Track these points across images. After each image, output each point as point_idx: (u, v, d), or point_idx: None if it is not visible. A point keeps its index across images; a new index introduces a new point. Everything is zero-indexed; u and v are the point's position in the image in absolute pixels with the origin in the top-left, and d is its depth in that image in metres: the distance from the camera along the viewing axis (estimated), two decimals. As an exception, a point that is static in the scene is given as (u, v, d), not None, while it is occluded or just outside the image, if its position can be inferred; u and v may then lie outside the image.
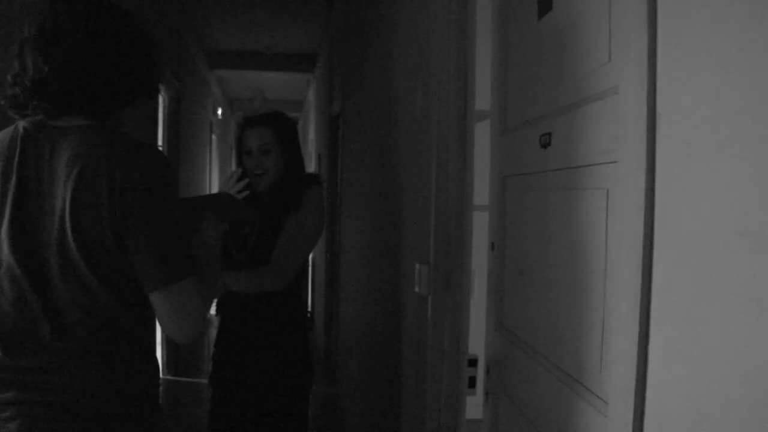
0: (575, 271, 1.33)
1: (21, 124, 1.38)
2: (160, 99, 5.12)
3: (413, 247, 2.40)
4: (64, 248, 1.32)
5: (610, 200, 1.17)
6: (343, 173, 5.18)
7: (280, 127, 2.43)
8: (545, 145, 1.49)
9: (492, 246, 1.94)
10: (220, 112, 9.54)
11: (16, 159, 1.34)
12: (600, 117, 1.21)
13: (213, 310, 2.27)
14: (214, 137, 8.95)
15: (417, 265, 2.20)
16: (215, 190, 6.27)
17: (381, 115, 3.23)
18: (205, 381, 2.96)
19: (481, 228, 2.10)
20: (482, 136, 2.10)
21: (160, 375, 1.52)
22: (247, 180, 2.21)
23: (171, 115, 5.47)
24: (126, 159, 1.31)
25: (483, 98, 2.06)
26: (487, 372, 1.95)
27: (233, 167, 2.52)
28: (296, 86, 9.39)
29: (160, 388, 1.59)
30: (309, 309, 8.09)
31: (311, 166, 8.26)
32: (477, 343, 2.08)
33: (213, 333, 2.71)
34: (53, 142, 1.34)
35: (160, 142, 5.21)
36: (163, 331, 1.41)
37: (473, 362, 2.08)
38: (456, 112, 2.03)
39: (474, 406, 2.06)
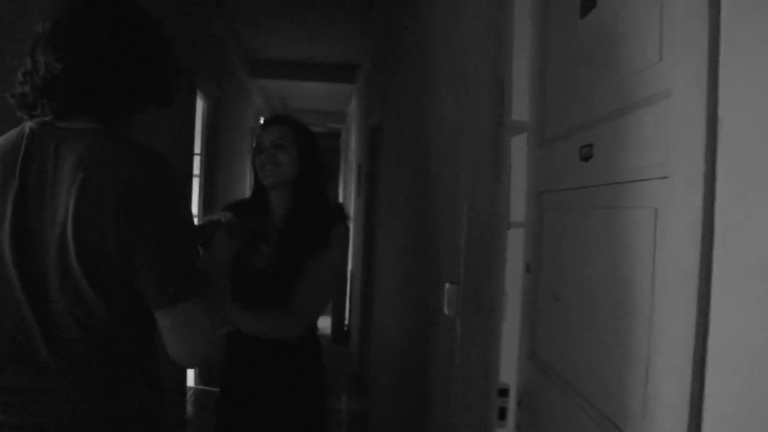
0: (617, 300, 1.17)
1: (27, 124, 1.31)
2: (199, 106, 5.07)
3: (444, 266, 2.25)
4: (63, 258, 1.21)
5: (659, 221, 1.01)
6: (381, 186, 5.06)
7: (301, 129, 2.24)
8: (586, 158, 1.34)
9: (527, 267, 1.79)
10: (261, 121, 9.52)
11: (20, 161, 1.26)
12: (648, 125, 1.06)
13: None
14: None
15: (446, 285, 2.05)
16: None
17: (416, 127, 3.10)
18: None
19: (516, 246, 1.95)
20: (518, 149, 1.95)
21: (161, 395, 1.41)
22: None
23: (209, 122, 5.42)
24: (132, 168, 1.22)
25: (519, 108, 1.91)
26: (519, 404, 1.80)
27: None
28: (339, 97, 9.33)
29: (189, 397, 1.47)
30: (346, 322, 7.98)
31: (351, 178, 8.17)
32: (509, 370, 1.92)
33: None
34: (59, 145, 1.25)
35: (197, 150, 5.16)
36: (169, 353, 1.29)
37: (504, 392, 1.91)
38: (490, 123, 1.88)
39: (504, 440, 1.90)
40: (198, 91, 4.82)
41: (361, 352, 6.00)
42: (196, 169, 5.17)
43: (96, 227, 1.19)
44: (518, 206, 1.92)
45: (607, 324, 1.22)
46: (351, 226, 2.25)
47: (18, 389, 1.24)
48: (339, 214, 2.22)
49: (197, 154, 5.21)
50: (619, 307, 1.17)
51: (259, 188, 2.26)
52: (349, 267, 8.36)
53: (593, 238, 1.32)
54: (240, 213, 2.09)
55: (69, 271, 1.21)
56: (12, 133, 1.32)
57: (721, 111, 0.77)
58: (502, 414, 1.89)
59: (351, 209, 8.57)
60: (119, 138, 1.29)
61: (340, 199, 10.88)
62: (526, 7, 1.83)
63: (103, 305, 1.23)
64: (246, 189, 7.86)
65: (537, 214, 1.71)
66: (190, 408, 4.91)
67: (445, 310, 2.04)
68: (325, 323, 7.81)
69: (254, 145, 2.25)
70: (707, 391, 0.78)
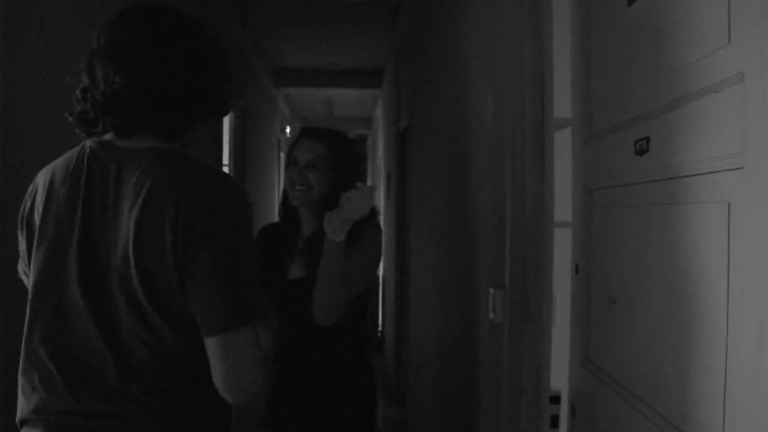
0: (684, 302, 1.10)
1: (88, 143, 1.29)
2: (225, 117, 5.06)
3: (487, 270, 2.18)
4: (127, 281, 1.19)
5: (732, 216, 0.94)
6: (411, 190, 5.00)
7: (337, 146, 2.14)
8: (641, 152, 1.26)
9: (576, 269, 1.71)
10: (288, 130, 9.50)
11: (83, 182, 1.24)
12: (717, 113, 0.99)
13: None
14: (282, 155, 8.92)
15: (491, 290, 1.99)
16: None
17: (449, 129, 3.03)
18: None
19: (562, 247, 1.87)
20: (561, 146, 1.87)
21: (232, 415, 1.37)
22: None
23: (237, 133, 5.41)
24: (193, 188, 1.20)
25: (561, 105, 1.84)
26: (572, 411, 1.72)
27: None
28: (364, 102, 9.30)
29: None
30: (380, 329, 7.92)
31: (380, 183, 8.12)
32: (559, 376, 1.85)
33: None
34: (120, 164, 1.24)
35: (225, 161, 5.15)
36: (217, 386, 1.23)
37: (556, 399, 1.84)
38: (532, 121, 1.82)
39: (557, 449, 1.82)
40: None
41: (397, 358, 5.93)
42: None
43: (156, 248, 1.17)
44: (564, 205, 1.84)
45: (673, 327, 1.14)
46: (382, 222, 2.16)
47: (98, 414, 1.21)
48: (370, 213, 2.10)
49: (225, 164, 5.20)
50: (687, 310, 1.09)
51: (287, 201, 2.20)
52: (381, 272, 8.30)
53: (652, 236, 1.25)
54: (273, 235, 2.13)
55: (133, 295, 1.19)
56: (72, 153, 1.30)
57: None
58: (555, 422, 1.82)
59: (381, 213, 8.52)
60: (181, 158, 1.27)
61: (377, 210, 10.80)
62: (565, 2, 1.76)
63: (168, 328, 1.20)
64: (275, 199, 7.85)
65: (586, 212, 1.64)
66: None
67: (491, 316, 1.98)
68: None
69: (288, 155, 2.17)
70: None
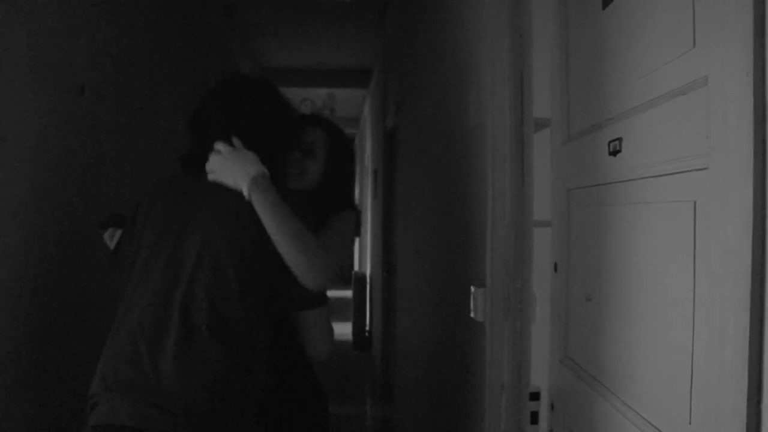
0: (654, 299, 1.12)
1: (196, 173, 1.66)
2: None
3: (469, 268, 2.20)
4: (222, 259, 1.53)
5: (698, 215, 0.96)
6: (398, 189, 5.02)
7: (336, 137, 2.13)
8: (615, 152, 1.29)
9: (555, 267, 1.74)
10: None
11: (191, 191, 1.62)
12: (682, 115, 1.02)
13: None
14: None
15: (473, 288, 2.01)
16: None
17: (434, 128, 3.06)
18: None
19: (541, 246, 1.89)
20: (541, 146, 1.90)
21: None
22: None
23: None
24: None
25: (541, 104, 1.87)
26: (551, 407, 1.75)
27: None
28: (352, 102, 9.31)
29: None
30: (367, 327, 7.94)
31: (367, 181, 8.14)
32: (539, 373, 1.87)
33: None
34: (215, 187, 1.60)
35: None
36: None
37: (536, 395, 1.86)
38: (512, 121, 1.84)
39: (537, 445, 1.84)
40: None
41: (384, 357, 5.96)
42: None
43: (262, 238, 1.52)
44: (543, 204, 1.87)
45: (645, 324, 1.17)
46: (358, 213, 2.10)
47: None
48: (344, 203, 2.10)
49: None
50: (657, 306, 1.12)
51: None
52: (368, 272, 8.32)
53: (626, 234, 1.27)
54: None
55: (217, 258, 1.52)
56: (181, 174, 1.71)
57: (771, 96, 0.72)
58: (535, 418, 1.85)
59: (368, 212, 8.54)
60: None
61: (356, 202, 10.83)
62: (546, 1, 1.78)
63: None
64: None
65: (564, 212, 1.66)
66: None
67: (473, 314, 2.00)
68: (345, 329, 7.77)
69: None
70: (766, 394, 0.73)
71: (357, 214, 2.09)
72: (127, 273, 1.61)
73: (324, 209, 1.99)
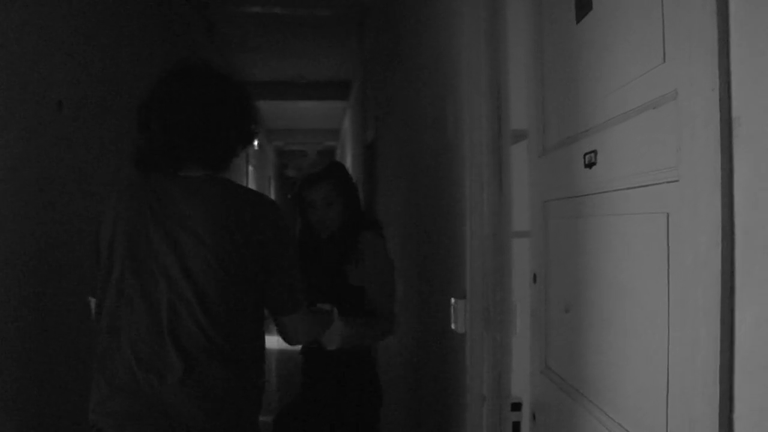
0: (631, 310, 1.14)
1: (153, 175, 1.59)
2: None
3: (449, 280, 2.22)
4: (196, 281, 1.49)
5: (671, 227, 0.98)
6: (379, 201, 5.03)
7: (340, 178, 2.51)
8: (590, 165, 1.31)
9: (534, 278, 1.75)
10: (256, 142, 9.49)
11: (154, 202, 1.52)
12: (654, 128, 1.03)
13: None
14: (251, 168, 8.89)
15: (453, 300, 2.02)
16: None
17: (413, 140, 3.07)
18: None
19: (520, 257, 1.91)
20: (519, 157, 1.92)
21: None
22: None
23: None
24: (268, 206, 1.60)
25: (518, 116, 1.89)
26: (533, 417, 1.76)
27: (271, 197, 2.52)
28: (332, 114, 9.33)
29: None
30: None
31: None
32: (519, 383, 1.88)
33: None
34: (183, 188, 1.53)
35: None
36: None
37: (517, 406, 1.88)
38: (490, 133, 1.86)
39: (520, 456, 1.85)
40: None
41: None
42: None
43: (238, 254, 1.49)
44: (521, 215, 1.89)
45: (623, 334, 1.19)
46: (382, 232, 2.50)
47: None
48: (370, 224, 2.52)
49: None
50: (634, 316, 1.14)
51: (308, 231, 2.54)
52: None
53: (602, 245, 1.29)
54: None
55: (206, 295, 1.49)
56: (139, 181, 1.60)
57: (736, 111, 0.74)
58: (516, 428, 1.86)
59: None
60: (229, 182, 1.60)
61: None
62: (521, 14, 1.81)
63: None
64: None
65: (542, 223, 1.68)
66: None
67: (453, 326, 2.01)
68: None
69: (301, 200, 2.50)
70: (737, 410, 0.74)
71: (380, 230, 2.51)
72: (99, 299, 1.56)
73: (352, 231, 2.43)
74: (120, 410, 1.45)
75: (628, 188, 1.13)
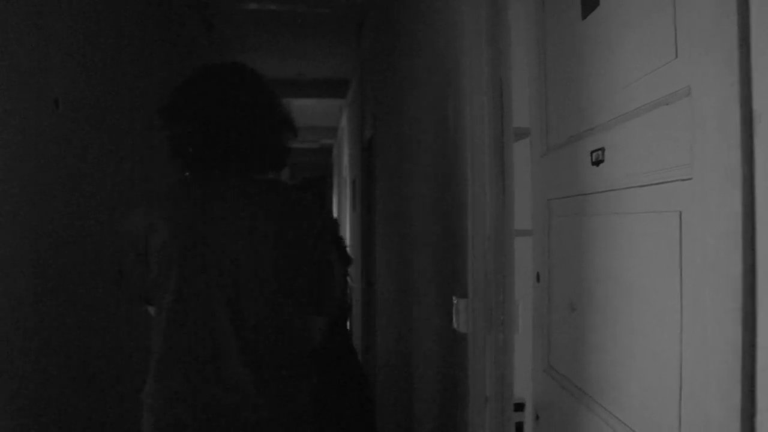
0: (641, 309, 1.12)
1: (189, 175, 1.58)
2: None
3: (450, 279, 2.20)
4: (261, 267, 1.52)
5: (684, 226, 0.96)
6: (378, 199, 5.01)
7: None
8: (597, 162, 1.29)
9: (537, 277, 1.74)
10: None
11: (200, 205, 1.51)
12: (666, 125, 1.02)
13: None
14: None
15: (455, 299, 2.00)
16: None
17: (413, 138, 3.05)
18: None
19: (521, 255, 1.89)
20: (520, 156, 1.90)
21: None
22: None
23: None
24: (307, 209, 1.60)
25: (520, 114, 1.87)
26: (536, 418, 1.74)
27: None
28: (329, 113, 9.29)
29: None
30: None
31: (345, 193, 8.10)
32: (520, 383, 1.87)
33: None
34: (238, 190, 1.53)
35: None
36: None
37: (520, 406, 1.86)
38: (492, 131, 1.84)
39: (522, 456, 1.83)
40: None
41: (365, 368, 5.92)
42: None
43: (293, 252, 1.54)
44: (523, 213, 1.87)
45: (631, 334, 1.17)
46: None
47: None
48: None
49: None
50: (642, 316, 1.12)
51: None
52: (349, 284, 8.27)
53: (610, 244, 1.27)
54: None
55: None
56: (177, 182, 1.58)
57: (757, 106, 0.72)
58: (519, 428, 1.84)
59: (346, 224, 8.51)
60: (283, 183, 1.68)
61: (335, 215, 10.86)
62: (523, 12, 1.79)
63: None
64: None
65: (545, 222, 1.66)
66: None
67: (455, 326, 1.99)
68: (326, 341, 7.70)
69: None
70: (760, 405, 0.72)
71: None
72: (156, 302, 1.56)
73: None
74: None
75: (638, 186, 1.12)
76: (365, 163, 5.70)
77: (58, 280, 2.33)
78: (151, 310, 1.62)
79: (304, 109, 9.05)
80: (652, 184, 1.07)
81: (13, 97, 2.02)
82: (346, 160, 8.64)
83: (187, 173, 1.60)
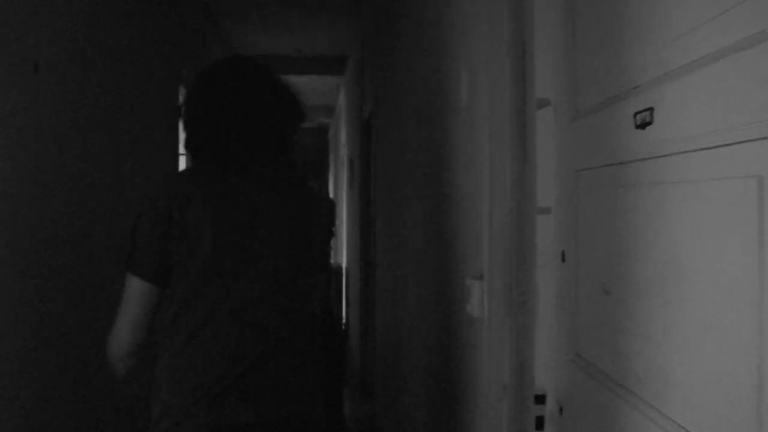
0: (701, 291, 0.97)
1: (212, 163, 1.59)
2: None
3: (464, 259, 2.05)
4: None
5: (765, 193, 0.81)
6: (377, 178, 4.86)
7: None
8: (643, 125, 1.14)
9: (562, 256, 1.59)
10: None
11: (226, 188, 1.54)
12: (737, 76, 0.86)
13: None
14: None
15: (468, 281, 1.85)
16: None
17: (419, 112, 2.90)
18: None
19: (539, 234, 1.74)
20: (540, 128, 1.74)
21: None
22: None
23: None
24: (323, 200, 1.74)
25: (539, 85, 1.71)
26: (560, 411, 1.60)
27: None
28: (327, 90, 9.13)
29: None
30: (344, 320, 7.79)
31: (342, 172, 7.96)
32: (543, 374, 1.72)
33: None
34: (253, 174, 1.60)
35: (181, 149, 4.94)
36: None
37: (541, 398, 1.71)
38: (512, 98, 1.68)
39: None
40: (181, 89, 4.60)
41: (363, 351, 5.80)
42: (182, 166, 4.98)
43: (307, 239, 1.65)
44: (541, 190, 1.72)
45: (686, 322, 1.02)
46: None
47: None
48: None
49: (182, 154, 5.00)
50: (700, 300, 0.97)
51: None
52: (344, 263, 8.15)
53: (656, 219, 1.12)
54: None
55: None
56: (201, 165, 1.60)
57: None
58: (540, 424, 1.69)
59: (343, 203, 8.37)
60: (294, 168, 1.77)
61: (331, 194, 10.73)
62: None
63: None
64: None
65: (573, 195, 1.51)
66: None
67: (469, 309, 1.84)
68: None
69: None
70: None
71: None
72: (189, 278, 1.50)
73: None
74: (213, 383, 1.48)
75: (700, 149, 0.96)
76: (364, 140, 5.54)
77: (58, 280, 2.24)
78: (142, 285, 1.48)
79: (301, 87, 8.87)
80: (718, 146, 0.92)
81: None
82: (343, 138, 8.47)
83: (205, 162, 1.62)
